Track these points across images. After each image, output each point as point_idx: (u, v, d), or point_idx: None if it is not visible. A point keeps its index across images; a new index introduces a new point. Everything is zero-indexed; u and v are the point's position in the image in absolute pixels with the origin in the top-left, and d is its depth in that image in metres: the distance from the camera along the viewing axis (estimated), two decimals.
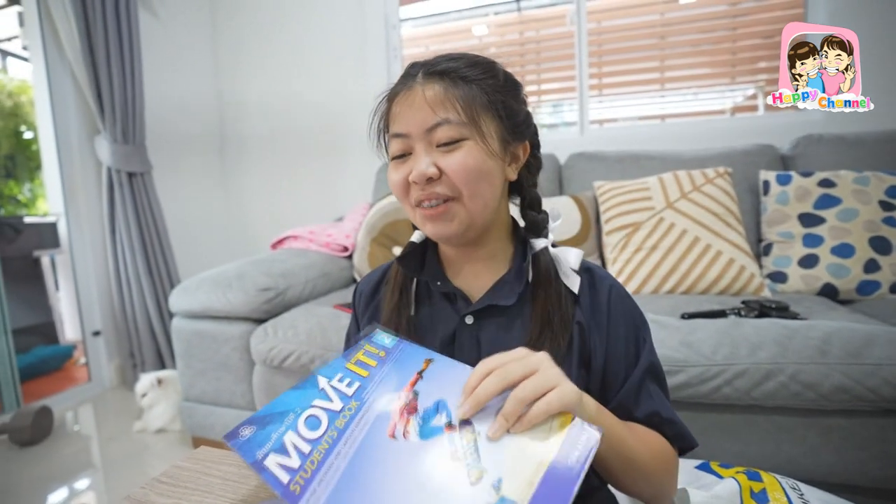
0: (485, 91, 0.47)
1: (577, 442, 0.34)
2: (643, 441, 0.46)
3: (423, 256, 0.55)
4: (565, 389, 0.36)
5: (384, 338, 0.44)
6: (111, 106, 1.77)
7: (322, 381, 0.40)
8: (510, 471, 0.33)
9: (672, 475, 0.48)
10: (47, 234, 1.95)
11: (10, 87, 2.61)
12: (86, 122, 1.84)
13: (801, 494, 0.73)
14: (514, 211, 0.55)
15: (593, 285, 0.51)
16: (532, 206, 0.53)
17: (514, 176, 0.51)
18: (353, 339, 0.61)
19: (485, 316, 0.50)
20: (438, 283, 0.52)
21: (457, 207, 0.47)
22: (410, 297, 0.53)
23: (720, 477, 0.77)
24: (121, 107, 1.78)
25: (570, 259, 0.51)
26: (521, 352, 0.39)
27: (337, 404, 0.38)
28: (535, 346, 0.45)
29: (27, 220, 2.09)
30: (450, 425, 0.35)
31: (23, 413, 1.50)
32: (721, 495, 0.73)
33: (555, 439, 0.34)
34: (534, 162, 0.53)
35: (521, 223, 0.54)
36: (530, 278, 0.50)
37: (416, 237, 0.56)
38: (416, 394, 0.38)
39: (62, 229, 1.88)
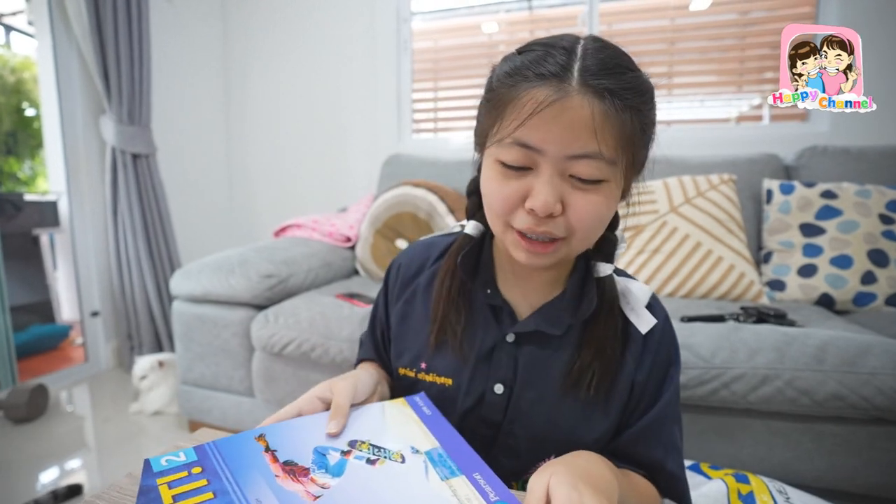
0: (643, 128, 0.39)
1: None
2: (637, 497, 0.43)
3: (477, 257, 0.49)
4: None
5: (172, 458, 0.35)
6: (118, 86, 1.76)
7: None
8: (411, 437, 0.40)
9: None
10: (47, 213, 1.94)
11: (13, 63, 2.59)
12: (91, 101, 1.82)
13: (788, 498, 0.74)
14: None
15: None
16: (611, 226, 0.46)
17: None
18: (378, 318, 0.57)
19: (528, 338, 0.47)
20: (489, 291, 0.48)
21: (562, 248, 0.41)
22: (467, 303, 0.49)
23: (709, 478, 0.79)
24: (127, 87, 1.77)
25: (638, 295, 0.46)
26: None
27: None
28: (580, 376, 0.44)
29: (27, 197, 2.08)
30: (345, 452, 0.37)
31: (19, 390, 1.50)
32: (708, 495, 0.75)
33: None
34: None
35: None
36: (593, 306, 0.45)
37: (471, 230, 0.49)
38: (290, 462, 0.36)
39: (63, 208, 1.87)
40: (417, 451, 0.38)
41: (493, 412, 0.47)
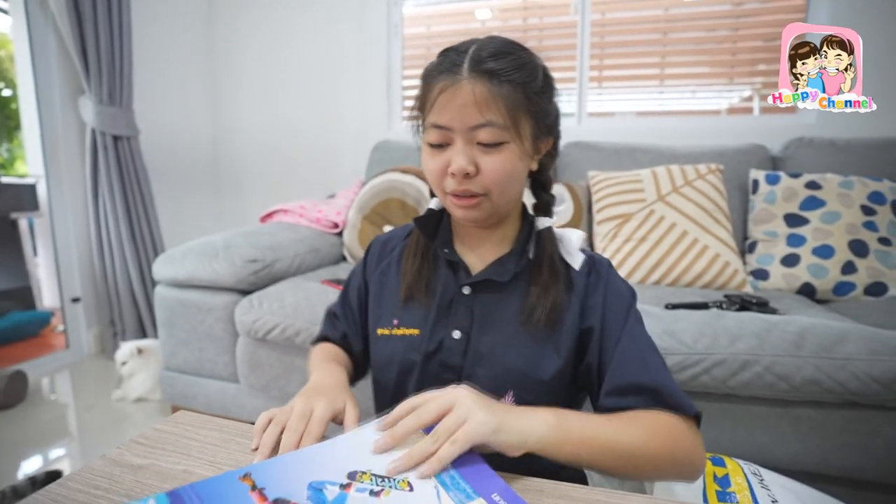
0: (526, 95, 0.48)
1: None
2: (631, 426, 0.44)
3: (438, 223, 0.59)
4: (474, 424, 0.37)
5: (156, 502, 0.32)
6: (97, 64, 1.70)
7: None
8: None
9: (685, 445, 0.45)
10: (26, 197, 1.88)
11: None
12: (69, 80, 1.77)
13: (762, 479, 0.76)
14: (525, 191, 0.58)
15: (593, 266, 0.54)
16: (544, 188, 0.57)
17: (536, 167, 0.54)
18: (350, 291, 0.63)
19: (481, 289, 0.54)
20: (446, 250, 0.56)
21: (486, 203, 0.50)
22: (431, 263, 0.57)
23: None
24: (107, 66, 1.72)
25: (572, 239, 0.55)
26: (442, 391, 0.40)
27: None
28: (531, 315, 0.51)
29: (4, 180, 2.01)
30: (344, 485, 0.34)
31: None
32: None
33: None
34: (552, 152, 0.56)
35: (530, 202, 0.57)
36: (532, 255, 0.54)
37: (433, 204, 0.60)
38: (282, 500, 0.32)
39: (42, 192, 1.82)
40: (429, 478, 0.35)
41: (452, 356, 0.53)
